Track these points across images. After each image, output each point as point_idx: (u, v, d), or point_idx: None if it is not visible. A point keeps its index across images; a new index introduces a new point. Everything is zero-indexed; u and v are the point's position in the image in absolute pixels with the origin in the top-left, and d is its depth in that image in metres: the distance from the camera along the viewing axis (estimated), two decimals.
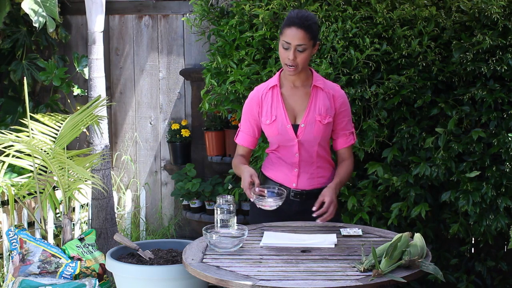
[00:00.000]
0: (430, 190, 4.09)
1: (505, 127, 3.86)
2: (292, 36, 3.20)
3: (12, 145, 3.64)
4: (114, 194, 4.96)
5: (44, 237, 3.89)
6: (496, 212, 3.90)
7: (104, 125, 4.54)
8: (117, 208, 5.36)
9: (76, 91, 5.44)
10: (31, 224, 4.69)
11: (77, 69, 5.40)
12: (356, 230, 3.16)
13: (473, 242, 4.16)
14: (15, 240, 3.71)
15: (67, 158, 3.74)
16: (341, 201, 4.12)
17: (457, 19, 3.93)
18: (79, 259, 3.68)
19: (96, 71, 4.58)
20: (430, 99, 3.96)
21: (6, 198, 4.58)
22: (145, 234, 5.38)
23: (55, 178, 3.82)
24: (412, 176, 3.96)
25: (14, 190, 3.90)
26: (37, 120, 4.03)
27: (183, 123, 5.23)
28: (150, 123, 5.47)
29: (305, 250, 2.93)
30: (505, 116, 3.85)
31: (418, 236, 2.85)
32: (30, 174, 3.91)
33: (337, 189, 3.30)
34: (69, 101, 5.59)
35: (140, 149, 5.51)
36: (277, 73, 3.39)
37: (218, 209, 3.07)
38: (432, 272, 2.70)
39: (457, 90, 3.97)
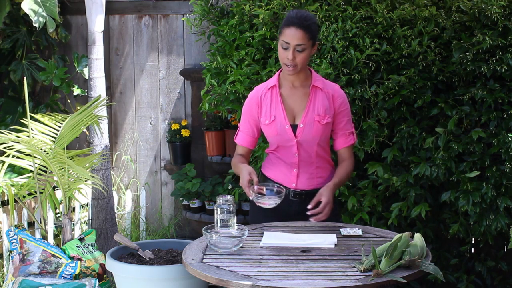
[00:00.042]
0: (430, 190, 4.09)
1: (505, 127, 3.86)
2: (291, 36, 3.20)
3: (12, 145, 3.64)
4: (114, 194, 4.96)
5: (44, 237, 3.89)
6: (496, 212, 3.90)
7: (104, 125, 4.54)
8: (117, 208, 5.36)
9: (76, 91, 5.44)
10: (31, 224, 4.69)
11: (77, 69, 5.41)
12: (356, 230, 3.16)
13: (473, 242, 4.16)
14: (15, 240, 3.71)
15: (67, 158, 3.74)
16: (341, 201, 4.12)
17: (457, 19, 3.93)
18: (79, 259, 3.68)
19: (96, 71, 4.58)
20: (430, 99, 3.96)
21: (6, 198, 4.58)
22: (145, 234, 5.38)
23: (55, 178, 3.82)
24: (412, 176, 3.96)
25: (14, 190, 3.90)
26: (37, 120, 4.03)
27: (183, 123, 5.23)
28: (150, 123, 5.47)
29: (305, 250, 2.93)
30: (505, 116, 3.85)
31: (418, 236, 2.85)
32: (30, 174, 3.91)
33: (334, 189, 3.29)
34: (69, 101, 5.59)
35: (140, 149, 5.51)
36: (277, 73, 3.39)
37: (218, 209, 3.07)
38: (432, 272, 2.70)
39: (457, 90, 3.97)
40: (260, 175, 3.47)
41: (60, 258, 3.66)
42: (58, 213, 4.86)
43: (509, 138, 3.77)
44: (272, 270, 2.72)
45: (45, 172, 3.89)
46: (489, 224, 3.90)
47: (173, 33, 5.32)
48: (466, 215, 3.99)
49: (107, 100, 4.36)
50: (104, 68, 4.64)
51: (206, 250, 2.97)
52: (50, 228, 4.57)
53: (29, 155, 3.78)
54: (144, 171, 5.51)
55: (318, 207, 3.21)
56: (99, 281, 3.68)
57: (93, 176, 3.88)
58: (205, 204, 5.04)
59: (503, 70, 3.81)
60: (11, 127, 4.62)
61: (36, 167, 3.82)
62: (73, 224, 4.86)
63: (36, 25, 4.67)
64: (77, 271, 3.63)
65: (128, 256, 3.63)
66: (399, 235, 2.80)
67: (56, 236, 4.90)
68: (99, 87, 4.57)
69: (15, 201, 3.96)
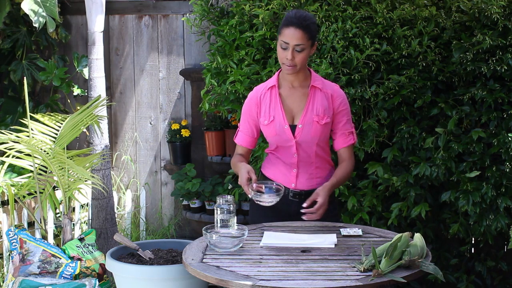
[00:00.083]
0: (430, 190, 4.09)
1: (505, 127, 3.86)
2: (290, 36, 3.20)
3: (12, 145, 3.64)
4: (114, 194, 4.96)
5: (44, 237, 3.89)
6: (496, 212, 3.90)
7: (104, 125, 4.54)
8: (117, 208, 5.36)
9: (76, 91, 5.44)
10: (31, 224, 4.69)
11: (77, 69, 5.41)
12: (356, 230, 3.16)
13: (473, 242, 4.16)
14: (15, 240, 3.71)
15: (67, 158, 3.74)
16: (341, 201, 4.12)
17: (457, 19, 3.93)
18: (79, 259, 3.68)
19: (96, 71, 4.58)
20: (430, 99, 3.96)
21: (6, 198, 4.58)
22: (145, 234, 5.38)
23: (55, 178, 3.82)
24: (412, 176, 3.96)
25: (14, 190, 3.90)
26: (37, 120, 4.03)
27: (183, 123, 5.23)
28: (150, 123, 5.47)
29: (305, 250, 2.93)
30: (505, 116, 3.85)
31: (418, 236, 2.85)
32: (30, 174, 3.91)
33: (331, 190, 3.28)
34: (69, 101, 5.59)
35: (140, 149, 5.51)
36: (276, 74, 3.39)
37: (218, 209, 3.07)
38: (432, 272, 2.70)
39: (457, 90, 3.97)
40: (260, 175, 3.47)
41: (60, 258, 3.66)
42: (58, 213, 4.86)
43: (509, 138, 3.77)
44: (272, 270, 2.72)
45: (45, 172, 3.89)
46: (489, 224, 3.90)
47: (173, 33, 5.32)
48: (466, 215, 3.99)
49: (107, 100, 4.36)
50: (104, 68, 4.64)
51: (206, 250, 2.97)
52: (50, 228, 4.57)
53: (29, 155, 3.78)
54: (144, 171, 5.52)
55: (313, 206, 3.19)
56: (99, 281, 3.68)
57: (93, 176, 3.88)
58: (205, 204, 5.04)
59: (503, 70, 3.81)
60: (11, 127, 4.62)
61: (36, 167, 3.81)
62: (73, 224, 4.86)
63: (36, 25, 4.67)
64: (77, 271, 3.63)
65: (128, 256, 3.63)
66: (399, 235, 2.79)
67: (56, 236, 4.90)
68: (99, 87, 4.57)
69: (15, 201, 3.96)
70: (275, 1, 4.11)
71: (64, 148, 3.83)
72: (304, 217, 3.19)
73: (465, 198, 3.87)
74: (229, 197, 3.09)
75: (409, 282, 3.38)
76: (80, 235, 3.82)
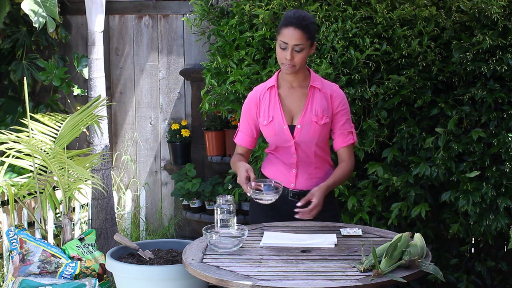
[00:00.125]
0: (430, 190, 4.09)
1: (505, 127, 3.86)
2: (289, 36, 3.19)
3: (12, 145, 3.64)
4: (114, 194, 4.96)
5: (44, 237, 3.89)
6: (496, 212, 3.90)
7: (104, 125, 4.54)
8: (117, 208, 5.36)
9: (76, 91, 5.44)
10: (31, 224, 4.69)
11: (77, 69, 5.41)
12: (356, 230, 3.16)
13: (473, 242, 4.16)
14: (15, 240, 3.71)
15: (67, 158, 3.74)
16: (341, 201, 4.12)
17: (457, 19, 3.93)
18: (79, 259, 3.68)
19: (96, 71, 4.58)
20: (430, 99, 3.96)
21: (6, 198, 4.58)
22: (145, 234, 5.38)
23: (55, 178, 3.82)
24: (412, 176, 3.96)
25: (14, 190, 3.90)
26: (37, 120, 4.03)
27: (183, 123, 5.23)
28: (150, 123, 5.47)
29: (305, 250, 2.93)
30: (505, 116, 3.85)
31: (418, 236, 2.85)
32: (30, 174, 3.91)
33: (327, 191, 3.25)
34: (69, 101, 5.59)
35: (140, 149, 5.51)
36: (275, 74, 3.38)
37: (218, 209, 3.07)
38: (432, 272, 2.70)
39: (457, 90, 3.97)
40: (260, 175, 3.47)
41: (60, 258, 3.66)
42: (58, 213, 4.86)
43: (509, 138, 3.77)
44: (272, 270, 2.72)
45: (45, 172, 3.89)
46: (489, 224, 3.90)
47: (173, 33, 5.32)
48: (466, 215, 3.99)
49: (107, 100, 4.36)
50: (104, 68, 4.64)
51: (206, 250, 2.97)
52: (50, 228, 4.57)
53: (29, 155, 3.78)
54: (144, 171, 5.52)
55: (307, 206, 3.18)
56: (99, 281, 3.68)
57: (93, 176, 3.88)
58: (205, 204, 5.04)
59: (503, 70, 3.81)
60: (11, 127, 4.62)
61: (36, 167, 3.82)
62: (73, 224, 4.86)
63: (36, 25, 4.67)
64: (77, 271, 3.63)
65: (128, 256, 3.63)
66: (399, 235, 2.79)
67: (56, 236, 4.90)
68: (99, 87, 4.57)
69: (15, 201, 3.96)
70: (275, 1, 4.11)
71: (64, 148, 3.83)
72: (297, 216, 3.18)
73: (465, 198, 3.87)
74: (229, 197, 3.09)
75: (409, 282, 3.38)
76: (80, 235, 3.82)
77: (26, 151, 3.72)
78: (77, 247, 3.73)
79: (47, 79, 5.25)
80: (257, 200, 3.18)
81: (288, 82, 3.34)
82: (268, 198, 3.16)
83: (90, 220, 4.73)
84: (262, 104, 3.35)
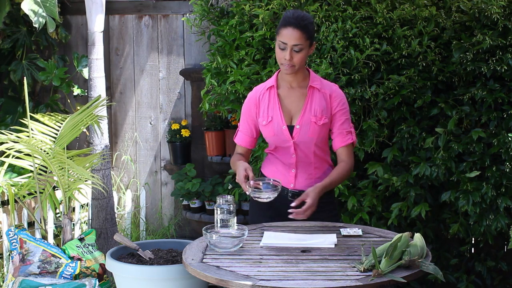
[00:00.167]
0: (430, 190, 4.09)
1: (505, 127, 3.86)
2: (288, 36, 3.19)
3: (12, 145, 3.64)
4: (114, 194, 4.96)
5: (44, 237, 3.89)
6: (496, 212, 3.90)
7: (104, 125, 4.54)
8: (117, 208, 5.36)
9: (76, 91, 5.44)
10: (31, 224, 4.69)
11: (77, 69, 5.41)
12: (356, 230, 3.16)
13: (473, 242, 4.16)
14: (15, 240, 3.71)
15: (67, 158, 3.74)
16: (341, 201, 4.12)
17: (457, 19, 3.94)
18: (79, 259, 3.68)
19: (96, 71, 4.58)
20: (430, 99, 3.96)
21: (6, 198, 4.58)
22: (145, 234, 5.38)
23: (55, 178, 3.82)
24: (412, 176, 3.96)
25: (14, 190, 3.90)
26: (37, 120, 4.03)
27: (183, 123, 5.23)
28: (150, 123, 5.47)
29: (305, 250, 2.93)
30: (505, 116, 3.85)
31: (418, 236, 2.85)
32: (30, 174, 3.91)
33: (322, 191, 3.23)
34: (69, 101, 5.59)
35: (140, 149, 5.51)
36: (275, 74, 3.38)
37: (218, 209, 3.07)
38: (432, 272, 2.70)
39: (457, 90, 3.97)
40: (260, 175, 3.47)
41: (60, 258, 3.66)
42: (58, 213, 4.86)
43: (509, 138, 3.77)
44: (272, 270, 2.72)
45: (45, 172, 3.89)
46: (489, 224, 3.90)
47: (173, 33, 5.32)
48: (466, 215, 3.99)
49: (107, 100, 4.36)
50: (104, 68, 4.64)
51: (206, 250, 2.97)
52: (50, 228, 4.57)
53: (29, 155, 3.77)
54: (144, 171, 5.52)
55: (302, 206, 3.17)
56: (99, 281, 3.68)
57: (93, 176, 3.88)
58: (205, 204, 5.04)
59: (503, 70, 3.81)
60: (11, 127, 4.62)
61: (36, 167, 3.82)
62: (73, 224, 4.86)
63: (36, 25, 4.67)
64: (77, 271, 3.63)
65: (128, 256, 3.63)
66: (399, 235, 2.79)
67: (56, 236, 4.90)
68: (99, 87, 4.57)
69: (15, 201, 3.96)
70: (275, 1, 4.11)
71: (64, 148, 3.83)
72: (290, 216, 3.17)
73: (465, 198, 3.87)
74: (229, 197, 3.09)
75: (409, 282, 3.38)
76: (80, 235, 3.82)
77: (26, 151, 3.72)
78: (77, 247, 3.73)
79: (47, 79, 5.25)
80: (256, 199, 3.18)
81: (287, 82, 3.34)
82: (266, 196, 3.16)
83: (90, 220, 4.73)
84: (262, 104, 3.35)
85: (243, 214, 4.85)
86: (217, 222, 3.07)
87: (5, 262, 4.39)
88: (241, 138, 3.44)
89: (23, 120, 4.07)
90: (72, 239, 3.78)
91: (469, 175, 3.87)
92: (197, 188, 4.95)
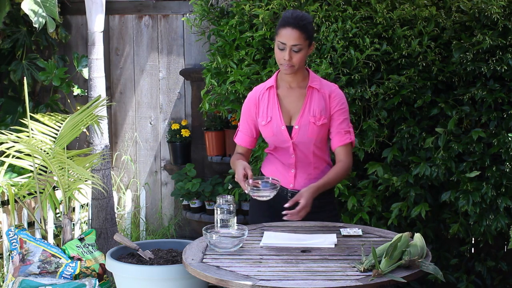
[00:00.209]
0: (430, 190, 4.09)
1: (505, 127, 3.86)
2: (287, 36, 3.19)
3: (12, 145, 3.64)
4: (114, 194, 4.96)
5: (44, 237, 3.89)
6: (496, 212, 3.90)
7: (104, 125, 4.54)
8: (117, 208, 5.36)
9: (76, 91, 5.44)
10: (31, 224, 4.69)
11: (77, 69, 5.41)
12: (356, 230, 3.16)
13: (473, 242, 4.16)
14: (15, 240, 3.71)
15: (67, 158, 3.74)
16: (341, 201, 4.12)
17: (457, 19, 3.94)
18: (79, 259, 3.68)
19: (96, 71, 4.58)
20: (430, 99, 3.96)
21: (6, 198, 4.58)
22: (145, 234, 5.38)
23: (55, 178, 3.82)
24: (412, 176, 3.96)
25: (14, 190, 3.90)
26: (37, 120, 4.03)
27: (183, 123, 5.23)
28: (150, 123, 5.47)
29: (305, 250, 2.93)
30: (505, 116, 3.85)
31: (418, 236, 2.85)
32: (30, 174, 3.91)
33: (317, 192, 3.21)
34: (69, 101, 5.59)
35: (140, 149, 5.51)
36: (275, 74, 3.38)
37: (218, 209, 3.07)
38: (432, 272, 2.70)
39: (457, 90, 3.97)
40: (260, 175, 3.46)
41: (60, 258, 3.66)
42: (58, 213, 4.86)
43: (509, 138, 3.77)
44: (272, 270, 2.72)
45: (45, 172, 3.89)
46: (489, 224, 3.90)
47: (173, 33, 5.32)
48: (466, 215, 3.99)
49: (107, 100, 4.36)
50: (104, 68, 4.64)
51: (206, 250, 2.97)
52: (50, 228, 4.57)
53: (29, 155, 3.77)
54: (144, 171, 5.52)
55: (296, 207, 3.15)
56: (99, 281, 3.68)
57: (93, 176, 3.88)
58: (205, 204, 5.04)
59: (503, 70, 3.81)
60: (11, 127, 4.62)
61: (36, 167, 3.82)
62: (73, 224, 4.86)
63: (36, 25, 4.67)
64: (77, 271, 3.63)
65: (128, 256, 3.63)
66: (399, 235, 2.79)
67: (56, 236, 4.90)
68: (99, 87, 4.57)
69: (15, 201, 3.96)
70: (275, 1, 4.11)
71: (64, 148, 3.83)
72: (284, 218, 3.16)
73: (465, 198, 3.87)
74: (229, 197, 3.09)
75: (409, 282, 3.38)
76: (80, 235, 3.82)
77: (26, 151, 3.72)
78: (77, 247, 3.73)
79: (47, 79, 5.25)
80: (255, 197, 3.18)
81: (287, 82, 3.34)
82: (265, 194, 3.16)
83: (90, 220, 4.73)
84: (261, 104, 3.35)
85: (243, 214, 4.85)
86: (217, 222, 3.07)
87: (5, 262, 4.39)
88: (241, 138, 3.44)
89: (23, 120, 4.07)
90: (72, 239, 3.78)
91: (469, 175, 3.87)
92: (197, 188, 4.95)
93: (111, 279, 3.78)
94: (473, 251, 4.27)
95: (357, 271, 2.70)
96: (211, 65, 4.33)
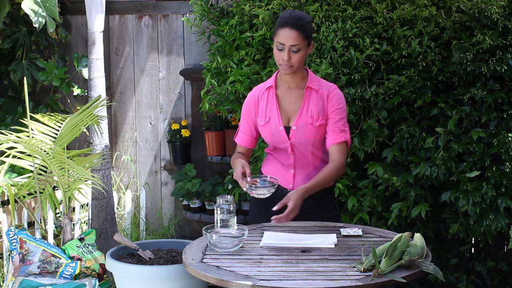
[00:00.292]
0: (430, 190, 4.09)
1: (505, 127, 3.86)
2: (286, 36, 3.18)
3: (12, 145, 3.64)
4: (114, 194, 4.96)
5: (44, 237, 3.89)
6: (496, 212, 3.90)
7: (104, 125, 4.54)
8: (117, 208, 5.36)
9: (76, 91, 5.44)
10: (31, 224, 4.69)
11: (77, 69, 5.41)
12: (356, 230, 3.16)
13: (473, 242, 4.16)
14: (15, 240, 3.71)
15: (67, 158, 3.74)
16: (341, 201, 4.12)
17: (457, 19, 3.94)
18: (79, 259, 3.68)
19: (96, 71, 4.58)
20: (430, 99, 3.96)
21: (6, 198, 4.58)
22: (145, 234, 5.38)
23: (55, 178, 3.82)
24: (412, 176, 3.96)
25: (14, 190, 3.90)
26: (37, 120, 4.03)
27: (183, 123, 5.23)
28: (150, 123, 5.47)
29: (305, 250, 2.93)
30: (505, 116, 3.85)
31: (418, 236, 2.85)
32: (30, 174, 3.91)
33: (306, 194, 3.17)
34: (69, 101, 5.59)
35: (140, 149, 5.51)
36: (274, 74, 3.37)
37: (218, 209, 3.07)
38: (432, 272, 2.70)
39: (457, 90, 3.97)
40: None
41: (60, 258, 3.66)
42: (58, 213, 4.86)
43: (509, 138, 3.77)
44: (272, 270, 2.72)
45: (45, 172, 3.89)
46: (489, 224, 3.90)
47: (173, 33, 5.32)
48: (466, 215, 3.99)
49: (107, 100, 4.36)
50: (104, 68, 4.64)
51: (206, 250, 2.97)
52: (50, 228, 4.57)
53: (29, 155, 3.78)
54: (144, 171, 5.52)
55: (284, 209, 3.12)
56: (99, 281, 3.68)
57: (93, 176, 3.88)
58: (205, 204, 5.04)
59: (503, 70, 3.81)
60: (11, 127, 4.62)
61: (36, 167, 3.82)
62: (73, 224, 4.86)
63: (36, 25, 4.67)
64: (77, 271, 3.63)
65: (128, 256, 3.63)
66: (399, 235, 2.80)
67: (56, 236, 4.90)
68: (99, 87, 4.57)
69: (15, 201, 3.96)
70: (275, 1, 4.11)
71: (64, 148, 3.83)
72: (273, 222, 3.13)
73: (465, 198, 3.87)
74: (229, 197, 3.09)
75: (409, 282, 3.38)
76: (80, 235, 3.82)
77: (26, 151, 3.72)
78: (77, 247, 3.73)
79: (47, 79, 5.25)
80: (253, 195, 3.17)
81: (286, 82, 3.33)
82: (263, 192, 3.16)
83: (90, 220, 4.73)
84: (261, 104, 3.35)
85: (243, 214, 4.85)
86: (217, 222, 3.07)
87: (5, 262, 4.39)
88: (242, 138, 3.44)
89: (23, 120, 4.07)
90: (72, 239, 3.79)
91: (469, 175, 3.87)
92: (197, 188, 4.95)
93: (111, 279, 3.78)
94: (473, 251, 4.27)
95: (357, 271, 2.70)
96: (211, 65, 4.33)
